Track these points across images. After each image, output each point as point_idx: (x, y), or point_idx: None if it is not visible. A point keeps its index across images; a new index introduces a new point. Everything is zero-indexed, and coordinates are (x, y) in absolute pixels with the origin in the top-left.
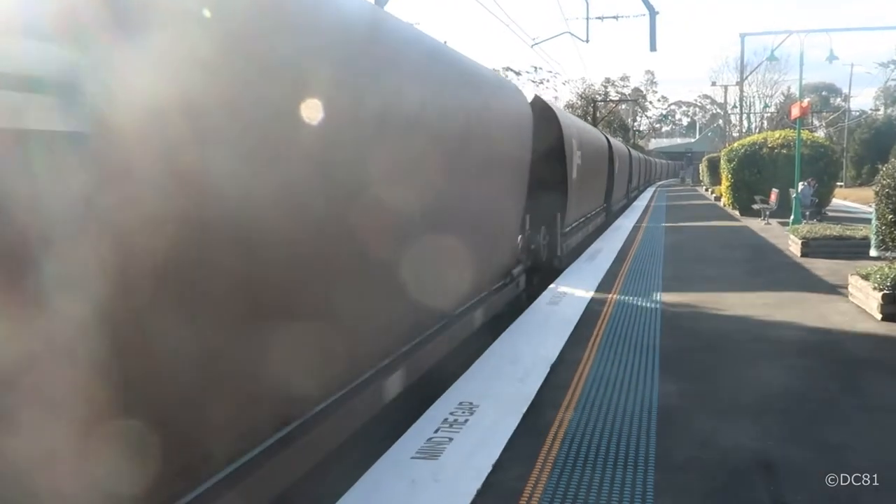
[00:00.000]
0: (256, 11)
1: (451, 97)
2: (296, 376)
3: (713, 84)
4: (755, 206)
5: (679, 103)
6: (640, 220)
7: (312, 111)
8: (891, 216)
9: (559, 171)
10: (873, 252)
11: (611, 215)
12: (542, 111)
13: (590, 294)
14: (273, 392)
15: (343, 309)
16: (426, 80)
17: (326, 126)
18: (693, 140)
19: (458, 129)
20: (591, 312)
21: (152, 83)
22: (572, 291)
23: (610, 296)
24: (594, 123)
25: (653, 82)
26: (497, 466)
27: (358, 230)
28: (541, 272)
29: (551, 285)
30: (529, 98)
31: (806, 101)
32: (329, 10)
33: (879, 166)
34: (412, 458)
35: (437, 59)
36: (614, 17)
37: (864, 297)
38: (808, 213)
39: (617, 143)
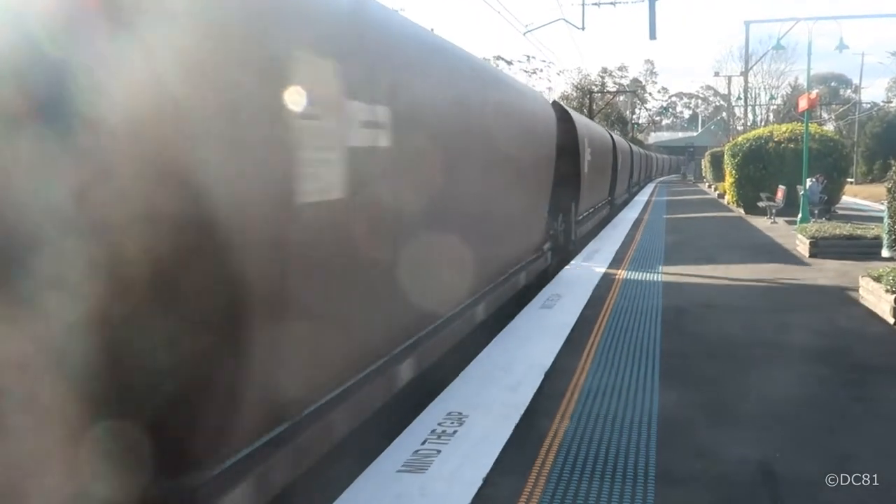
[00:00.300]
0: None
1: (513, 114)
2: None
3: (716, 74)
4: (761, 204)
5: (680, 95)
6: (641, 213)
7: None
8: None
9: (573, 167)
10: (885, 252)
11: (615, 208)
12: (560, 114)
13: (589, 292)
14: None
15: (450, 266)
16: (498, 103)
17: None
18: (695, 134)
19: (517, 136)
20: (585, 319)
21: (139, 81)
22: (570, 292)
23: (607, 301)
24: (590, 116)
25: (652, 72)
26: (488, 480)
27: (474, 216)
28: (559, 253)
29: (573, 261)
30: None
31: (814, 92)
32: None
33: (892, 161)
34: (398, 471)
35: (502, 85)
36: (612, 3)
37: (876, 300)
38: (816, 211)
39: (620, 139)
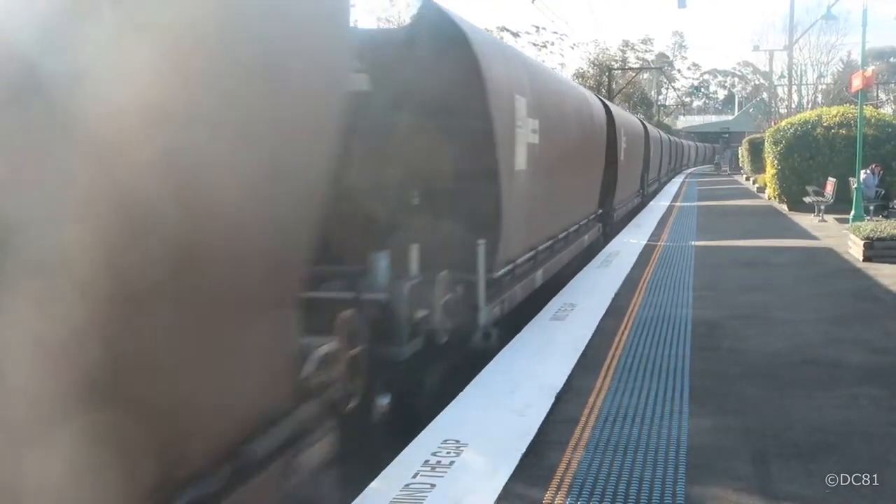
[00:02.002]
0: None
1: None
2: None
3: (756, 49)
4: (807, 199)
5: (714, 72)
6: (679, 188)
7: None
8: None
9: (646, 150)
10: None
11: (661, 184)
12: (651, 131)
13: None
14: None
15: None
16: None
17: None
18: (731, 117)
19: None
20: (605, 330)
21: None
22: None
23: (634, 300)
24: (609, 96)
25: (682, 46)
26: None
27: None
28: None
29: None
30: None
31: (870, 69)
32: None
33: None
34: None
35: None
36: None
37: None
38: (871, 207)
39: (662, 134)
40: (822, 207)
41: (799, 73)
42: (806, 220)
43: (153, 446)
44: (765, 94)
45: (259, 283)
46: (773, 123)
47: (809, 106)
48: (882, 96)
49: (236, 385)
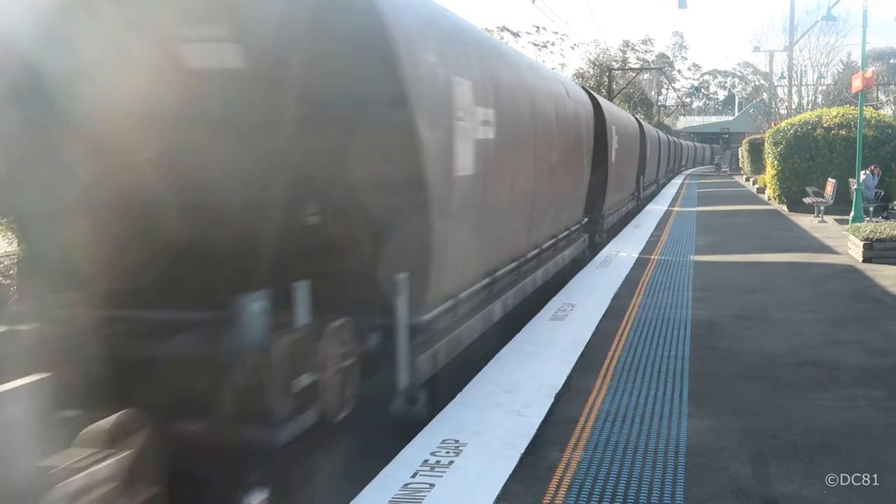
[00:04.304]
0: None
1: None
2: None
3: (756, 50)
4: (807, 200)
5: (714, 73)
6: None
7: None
8: None
9: (643, 151)
10: None
11: (657, 188)
12: (648, 130)
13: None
14: None
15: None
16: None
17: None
18: (731, 118)
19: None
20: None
21: None
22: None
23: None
24: (609, 96)
25: (682, 47)
26: None
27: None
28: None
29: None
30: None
31: (870, 70)
32: None
33: None
34: None
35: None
36: None
37: None
38: (871, 208)
39: (669, 137)
40: (822, 208)
41: (799, 73)
42: (806, 221)
43: None
44: (765, 95)
45: None
46: (773, 124)
47: (809, 107)
48: (882, 97)
49: None
